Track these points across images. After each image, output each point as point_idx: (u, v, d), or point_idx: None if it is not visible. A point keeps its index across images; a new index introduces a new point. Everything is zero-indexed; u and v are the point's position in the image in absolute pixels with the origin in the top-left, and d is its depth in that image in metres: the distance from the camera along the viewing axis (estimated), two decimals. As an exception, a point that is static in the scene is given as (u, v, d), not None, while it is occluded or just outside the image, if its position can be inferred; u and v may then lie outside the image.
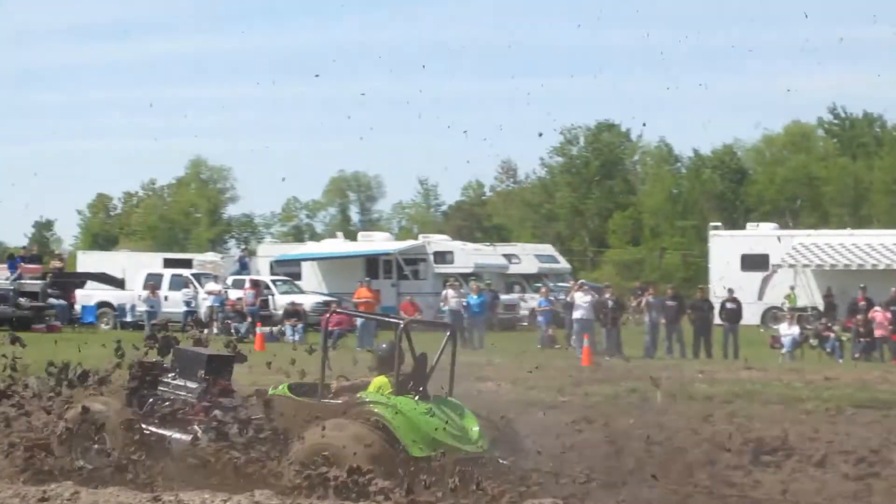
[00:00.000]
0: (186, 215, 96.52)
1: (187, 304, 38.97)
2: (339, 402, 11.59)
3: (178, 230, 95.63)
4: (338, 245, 49.70)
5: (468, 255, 46.72)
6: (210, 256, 52.05)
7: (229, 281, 43.03)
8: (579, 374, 24.06)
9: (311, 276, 46.45)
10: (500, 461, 11.22)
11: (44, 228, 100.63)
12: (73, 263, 57.16)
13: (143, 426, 11.94)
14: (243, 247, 64.32)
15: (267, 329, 35.50)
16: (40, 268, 44.00)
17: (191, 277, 41.84)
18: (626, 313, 38.37)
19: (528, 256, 50.97)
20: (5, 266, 42.69)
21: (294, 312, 37.58)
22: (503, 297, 43.93)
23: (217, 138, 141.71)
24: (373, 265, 45.43)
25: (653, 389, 20.58)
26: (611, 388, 21.43)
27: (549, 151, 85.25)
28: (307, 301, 40.22)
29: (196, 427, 11.82)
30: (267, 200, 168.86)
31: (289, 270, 46.65)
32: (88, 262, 51.86)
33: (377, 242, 48.41)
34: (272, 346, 33.23)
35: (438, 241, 48.08)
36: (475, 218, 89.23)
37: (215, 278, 42.78)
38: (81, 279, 45.14)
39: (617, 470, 12.68)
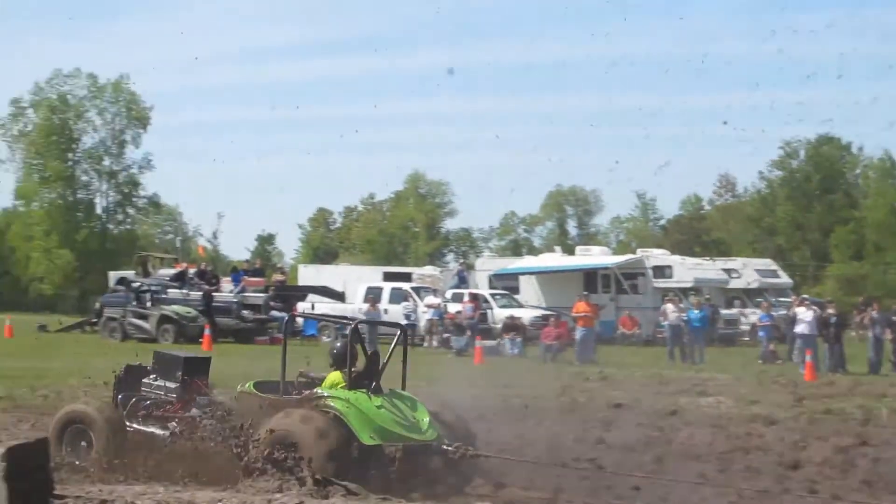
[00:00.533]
0: (405, 229, 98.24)
1: (407, 317, 39.55)
2: (298, 396, 12.40)
3: (397, 244, 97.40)
4: (556, 259, 49.84)
5: (687, 269, 46.29)
6: (429, 270, 52.79)
7: (448, 294, 43.55)
8: (802, 390, 23.73)
9: (529, 290, 46.73)
10: (446, 447, 12.02)
11: (266, 242, 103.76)
12: (294, 277, 58.86)
13: (127, 424, 12.95)
14: (461, 260, 65.06)
15: (486, 343, 35.87)
16: (263, 281, 45.49)
17: (410, 291, 42.52)
18: (850, 329, 37.60)
19: (748, 271, 50.13)
20: (229, 279, 44.24)
21: (513, 326, 37.84)
22: (723, 311, 43.54)
23: (435, 152, 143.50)
24: (591, 279, 45.41)
25: (878, 406, 20.22)
26: (835, 403, 21.08)
27: (768, 165, 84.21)
28: (526, 315, 40.46)
29: (174, 423, 12.80)
30: (485, 215, 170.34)
31: (507, 284, 47.00)
32: (309, 275, 53.12)
33: (595, 256, 48.38)
34: (491, 359, 33.68)
35: (657, 256, 47.76)
36: (694, 232, 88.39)
37: (434, 292, 43.42)
38: (303, 292, 46.29)
39: (843, 487, 12.65)
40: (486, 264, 53.31)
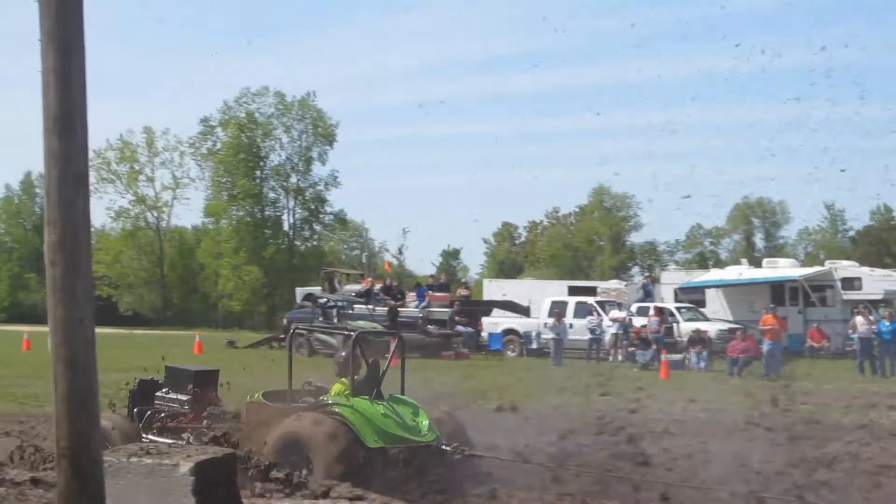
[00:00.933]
0: (590, 243, 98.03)
1: (592, 331, 39.65)
2: (306, 404, 13.14)
3: (582, 258, 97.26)
4: (742, 272, 49.23)
5: (877, 281, 45.20)
6: (614, 284, 52.65)
7: (633, 308, 43.43)
8: None
9: (715, 303, 46.27)
10: (444, 447, 12.79)
11: (451, 257, 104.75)
12: (479, 291, 59.30)
13: (143, 436, 13.58)
14: (647, 274, 64.64)
15: (671, 356, 35.69)
16: (448, 296, 45.87)
17: (595, 305, 42.49)
18: None
19: (940, 282, 48.72)
20: (414, 294, 44.81)
21: (699, 339, 37.60)
22: (915, 324, 42.45)
23: (619, 165, 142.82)
24: (778, 292, 44.77)
25: None
26: None
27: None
28: (712, 328, 40.12)
29: (187, 433, 13.57)
30: (670, 228, 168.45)
31: (693, 297, 46.61)
32: (494, 289, 53.49)
33: (782, 269, 47.63)
34: (677, 373, 33.49)
35: (846, 268, 46.76)
36: (884, 243, 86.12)
37: (619, 305, 43.33)
38: (488, 307, 46.72)
39: None
40: (672, 277, 52.98)
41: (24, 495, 10.12)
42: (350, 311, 41.49)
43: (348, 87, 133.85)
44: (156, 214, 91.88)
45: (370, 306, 42.02)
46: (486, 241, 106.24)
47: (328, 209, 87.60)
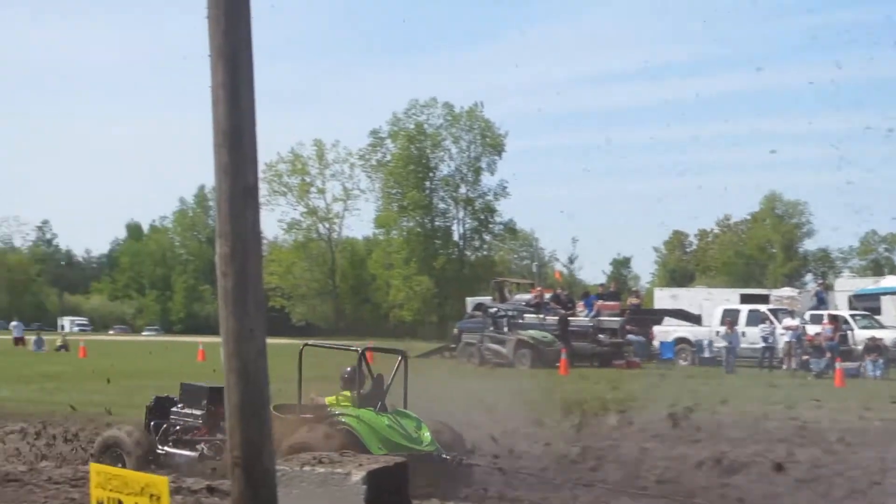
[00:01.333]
0: (762, 250, 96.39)
1: (765, 339, 38.96)
2: (313, 415, 13.89)
3: (754, 265, 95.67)
4: (920, 278, 47.84)
5: None
6: (787, 291, 51.63)
7: (807, 316, 42.50)
8: None
9: (891, 311, 44.98)
10: (444, 457, 13.46)
11: (622, 266, 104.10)
12: (650, 300, 58.74)
13: (159, 447, 14.66)
14: (820, 281, 63.19)
15: (846, 365, 34.82)
16: (618, 304, 45.52)
17: (768, 313, 41.69)
18: None
19: None
20: (582, 303, 44.58)
21: (874, 347, 36.64)
22: None
23: (792, 172, 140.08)
24: (957, 298, 43.43)
25: None
26: None
27: None
28: (888, 336, 39.02)
29: (202, 446, 14.44)
30: (844, 234, 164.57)
31: (868, 305, 45.40)
32: (665, 298, 52.90)
33: (962, 275, 46.17)
34: (853, 382, 32.66)
35: None
36: None
37: (792, 313, 42.45)
38: (659, 315, 46.26)
39: None
40: (846, 284, 51.72)
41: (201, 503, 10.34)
42: (520, 321, 41.46)
43: (515, 96, 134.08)
44: (327, 226, 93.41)
45: (540, 316, 41.92)
46: (656, 250, 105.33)
47: (498, 219, 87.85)
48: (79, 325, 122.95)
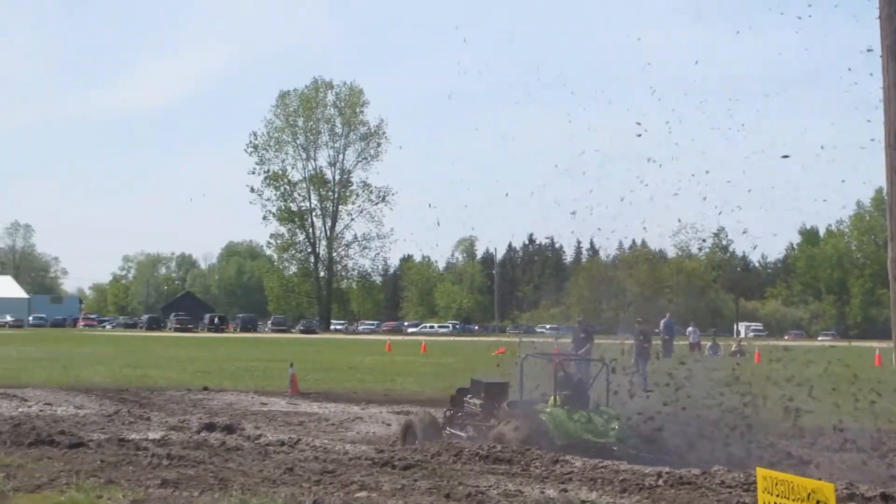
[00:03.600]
0: None
1: None
2: (522, 411, 17.10)
3: None
4: None
5: None
6: None
7: None
8: None
9: None
10: (613, 448, 16.03)
11: None
12: None
13: (447, 429, 18.27)
14: None
15: None
16: None
17: None
18: None
19: None
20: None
21: None
22: None
23: None
24: None
25: None
26: None
27: None
28: None
29: (470, 428, 17.87)
30: None
31: None
32: None
33: None
34: None
35: None
36: None
37: None
38: None
39: None
40: None
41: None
42: None
43: None
44: None
45: None
46: None
47: None
48: (754, 330, 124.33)
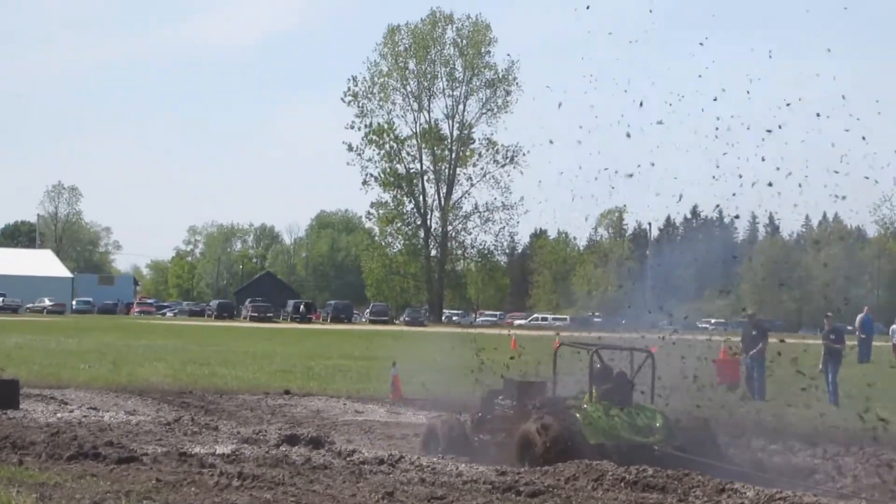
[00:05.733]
0: None
1: None
2: (550, 407, 18.53)
3: None
4: None
5: None
6: None
7: None
8: None
9: None
10: (674, 452, 16.97)
11: None
12: None
13: (479, 436, 19.82)
14: None
15: None
16: None
17: None
18: None
19: None
20: None
21: None
22: None
23: None
24: None
25: None
26: None
27: None
28: None
29: (501, 434, 19.23)
30: None
31: None
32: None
33: None
34: None
35: None
36: None
37: None
38: None
39: None
40: None
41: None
42: None
43: None
44: None
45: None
46: None
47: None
48: None
